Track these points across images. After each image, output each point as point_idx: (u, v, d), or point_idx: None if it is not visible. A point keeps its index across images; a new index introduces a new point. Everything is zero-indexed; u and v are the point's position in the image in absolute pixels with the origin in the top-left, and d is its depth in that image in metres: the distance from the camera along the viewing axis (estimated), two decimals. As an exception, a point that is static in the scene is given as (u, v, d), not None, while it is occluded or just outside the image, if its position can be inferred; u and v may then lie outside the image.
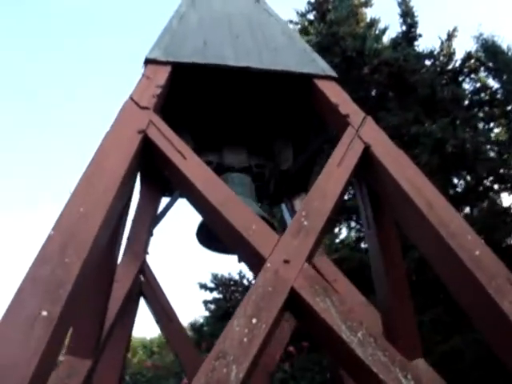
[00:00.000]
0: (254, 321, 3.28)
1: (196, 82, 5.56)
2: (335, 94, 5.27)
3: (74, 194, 3.72)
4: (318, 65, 5.60)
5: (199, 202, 4.18)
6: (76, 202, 3.66)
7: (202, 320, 25.08)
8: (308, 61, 5.65)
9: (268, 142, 6.35)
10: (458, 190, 16.23)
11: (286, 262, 3.62)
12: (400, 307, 4.93)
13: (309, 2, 22.03)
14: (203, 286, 21.55)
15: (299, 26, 21.63)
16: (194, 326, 26.04)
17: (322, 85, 5.36)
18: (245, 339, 3.19)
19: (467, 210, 16.13)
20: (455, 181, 16.33)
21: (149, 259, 6.43)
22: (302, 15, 22.14)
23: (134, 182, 4.69)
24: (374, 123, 5.04)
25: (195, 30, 5.78)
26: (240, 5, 6.50)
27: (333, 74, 5.53)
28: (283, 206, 7.06)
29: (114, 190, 3.84)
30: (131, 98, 4.62)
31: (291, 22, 21.72)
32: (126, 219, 5.01)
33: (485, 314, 3.73)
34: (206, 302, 23.33)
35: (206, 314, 23.82)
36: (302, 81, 5.48)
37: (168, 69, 5.12)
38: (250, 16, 6.31)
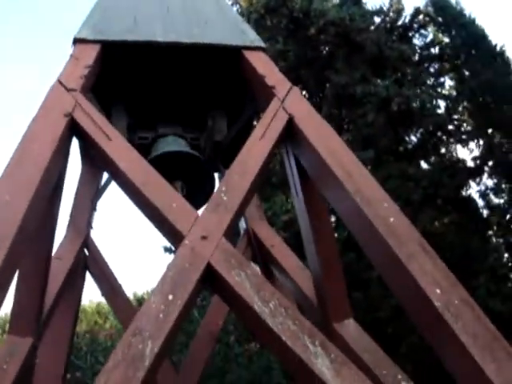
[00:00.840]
0: (170, 297, 3.46)
1: (127, 59, 5.60)
2: (263, 65, 5.36)
3: None
4: (247, 36, 5.66)
5: (123, 182, 4.31)
6: (1, 190, 3.77)
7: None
8: (237, 32, 5.72)
9: (202, 114, 6.44)
10: (409, 146, 16.51)
11: (204, 238, 3.78)
12: (329, 270, 5.15)
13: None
14: (168, 250, 21.72)
15: (249, -14, 21.65)
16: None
17: (251, 56, 5.44)
18: (160, 315, 3.36)
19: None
20: (405, 138, 16.60)
21: (99, 230, 6.56)
22: (250, -25, 22.10)
23: (66, 163, 4.77)
24: (299, 94, 5.15)
25: (125, 6, 5.83)
26: (173, -23, 6.50)
27: (261, 44, 5.61)
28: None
29: (40, 175, 3.94)
30: (59, 81, 4.68)
31: (241, -19, 21.75)
32: (60, 196, 5.06)
33: (396, 278, 3.95)
34: (171, 265, 23.51)
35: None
36: (231, 53, 5.56)
37: (97, 48, 5.16)
38: (183, -13, 6.32)
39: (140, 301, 36.38)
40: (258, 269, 6.73)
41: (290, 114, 4.78)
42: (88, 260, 6.62)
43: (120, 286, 6.89)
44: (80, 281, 6.54)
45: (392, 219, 4.02)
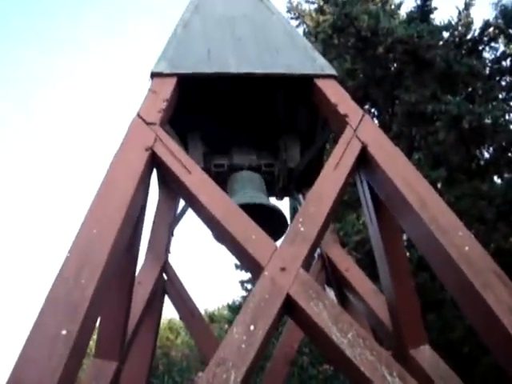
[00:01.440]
0: (251, 328, 3.59)
1: (202, 89, 5.80)
2: (334, 93, 5.43)
3: (86, 216, 4.03)
4: (318, 64, 5.75)
5: (203, 213, 4.46)
6: (89, 224, 3.98)
7: (240, 300, 25.54)
8: (308, 60, 5.81)
9: (275, 140, 6.60)
10: (481, 162, 16.26)
11: (283, 269, 3.90)
12: (403, 296, 5.19)
13: (324, -20, 22.11)
14: (239, 266, 21.97)
15: (315, 5, 21.77)
16: (232, 307, 26.56)
17: (322, 84, 5.52)
18: (243, 345, 3.50)
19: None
20: (477, 154, 16.35)
21: (175, 255, 6.76)
22: (318, -7, 22.23)
23: (147, 194, 4.97)
24: (371, 122, 5.24)
25: (199, 38, 5.97)
26: (243, 5, 6.66)
27: (332, 72, 5.69)
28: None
29: (125, 208, 4.13)
30: (138, 115, 4.88)
31: (307, 1, 21.89)
32: (142, 225, 5.28)
33: (471, 306, 3.97)
34: (242, 282, 23.79)
35: (244, 293, 24.26)
36: (303, 81, 5.66)
37: (173, 80, 5.34)
38: (253, 16, 6.46)
39: (211, 317, 36.68)
40: (333, 294, 6.80)
41: (363, 142, 4.85)
42: (166, 284, 6.81)
43: (197, 309, 7.08)
44: (159, 304, 6.75)
45: (467, 248, 4.05)
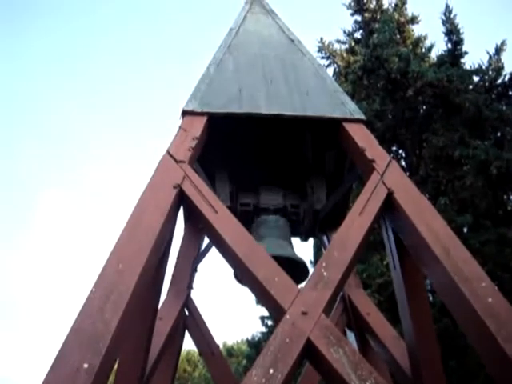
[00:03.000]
0: (271, 371, 3.60)
1: (232, 128, 5.87)
2: (363, 137, 5.49)
3: (113, 251, 4.10)
4: (347, 108, 5.81)
5: (228, 253, 4.51)
6: (115, 259, 4.04)
7: (259, 335, 25.44)
8: (337, 104, 5.88)
9: (302, 181, 6.61)
10: (508, 208, 16.15)
11: (304, 313, 3.93)
12: (424, 342, 5.17)
13: (355, 21, 22.35)
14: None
15: (346, 46, 22.00)
16: (252, 342, 26.46)
17: (350, 128, 5.59)
18: (262, 388, 3.52)
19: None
20: (504, 201, 16.25)
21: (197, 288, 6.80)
22: (349, 34, 22.46)
23: (173, 231, 5.03)
24: (398, 167, 5.25)
25: (231, 77, 6.06)
26: (275, 46, 6.75)
27: (361, 116, 5.75)
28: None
29: (151, 244, 4.20)
30: (168, 152, 4.97)
31: (339, 41, 22.14)
32: (167, 261, 5.34)
33: (493, 359, 3.94)
34: (262, 318, 23.72)
35: (263, 329, 24.18)
36: (331, 124, 5.74)
37: (204, 119, 5.44)
38: (284, 58, 6.54)
39: (230, 351, 36.43)
40: (353, 337, 6.76)
41: (390, 188, 4.88)
42: (188, 320, 6.83)
43: (217, 346, 7.07)
44: (179, 340, 6.76)
45: (490, 299, 4.04)
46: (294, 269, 5.81)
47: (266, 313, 22.72)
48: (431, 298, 12.85)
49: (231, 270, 5.79)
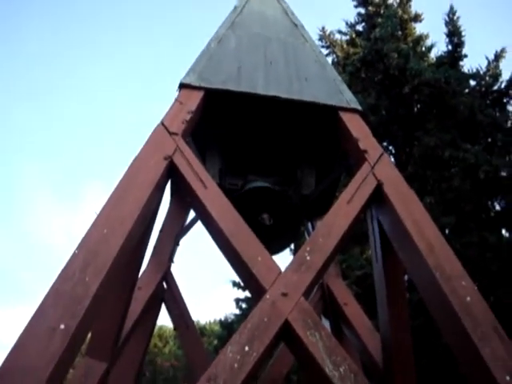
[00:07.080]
0: (246, 348, 3.61)
1: (227, 106, 5.84)
2: (357, 127, 5.49)
3: (99, 215, 4.08)
4: (344, 97, 5.80)
5: (214, 229, 4.50)
6: (100, 224, 4.02)
7: (232, 317, 25.48)
8: (335, 92, 5.86)
9: (292, 165, 6.62)
10: (491, 214, 16.21)
11: (284, 294, 3.94)
12: (399, 337, 5.21)
13: (359, 14, 22.28)
14: (236, 284, 21.92)
15: (347, 37, 21.91)
16: (224, 323, 26.50)
17: (346, 117, 5.59)
18: (235, 365, 3.52)
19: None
20: (489, 205, 16.32)
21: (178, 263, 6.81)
22: (351, 26, 22.38)
23: (160, 202, 5.01)
24: (389, 161, 5.26)
25: (231, 54, 6.03)
26: (278, 28, 6.72)
27: (358, 107, 5.73)
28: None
29: (137, 213, 4.18)
30: (162, 123, 4.93)
31: (340, 32, 22.04)
32: (150, 232, 5.32)
33: (467, 358, 3.98)
34: (237, 300, 23.72)
35: (237, 311, 24.21)
36: (327, 111, 5.72)
37: (201, 94, 5.40)
38: (286, 41, 6.52)
39: (202, 330, 36.43)
40: (328, 325, 6.79)
41: (379, 180, 4.89)
42: (165, 292, 6.83)
43: (192, 321, 7.08)
44: (156, 311, 6.76)
45: (469, 298, 4.07)
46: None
47: (241, 295, 22.74)
48: (408, 295, 12.89)
49: (210, 248, 5.79)
